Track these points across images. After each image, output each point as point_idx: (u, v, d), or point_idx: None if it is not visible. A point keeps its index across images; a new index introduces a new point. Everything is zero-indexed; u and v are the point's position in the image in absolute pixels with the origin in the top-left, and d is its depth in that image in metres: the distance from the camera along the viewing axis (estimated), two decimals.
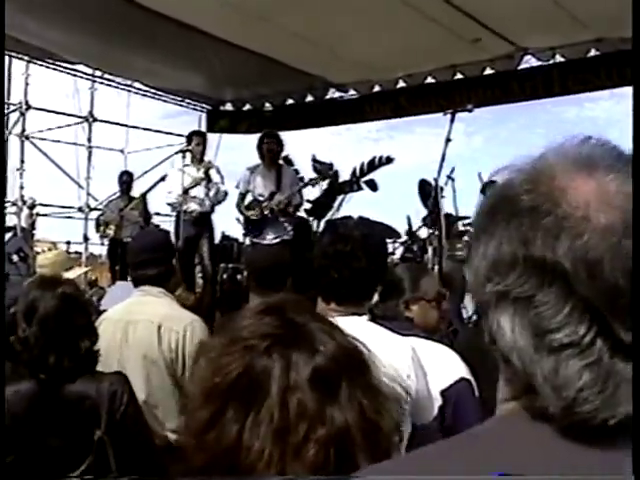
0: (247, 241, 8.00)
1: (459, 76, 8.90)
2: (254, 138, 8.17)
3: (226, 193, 8.09)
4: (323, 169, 10.63)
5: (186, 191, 7.66)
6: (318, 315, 1.27)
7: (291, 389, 1.09)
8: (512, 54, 8.37)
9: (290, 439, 1.07)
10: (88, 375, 2.48)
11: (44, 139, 11.81)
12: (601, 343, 0.75)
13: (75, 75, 10.28)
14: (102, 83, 10.74)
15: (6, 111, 10.47)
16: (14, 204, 10.35)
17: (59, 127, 12.03)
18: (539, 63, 8.42)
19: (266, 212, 7.63)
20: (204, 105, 11.19)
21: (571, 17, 7.12)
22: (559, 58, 8.26)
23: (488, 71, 8.72)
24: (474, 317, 7.43)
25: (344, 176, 11.09)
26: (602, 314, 0.75)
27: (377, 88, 9.68)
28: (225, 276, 8.13)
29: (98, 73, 10.32)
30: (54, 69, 9.64)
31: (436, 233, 6.56)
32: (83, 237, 11.36)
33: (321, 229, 9.00)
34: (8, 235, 7.83)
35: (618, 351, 0.75)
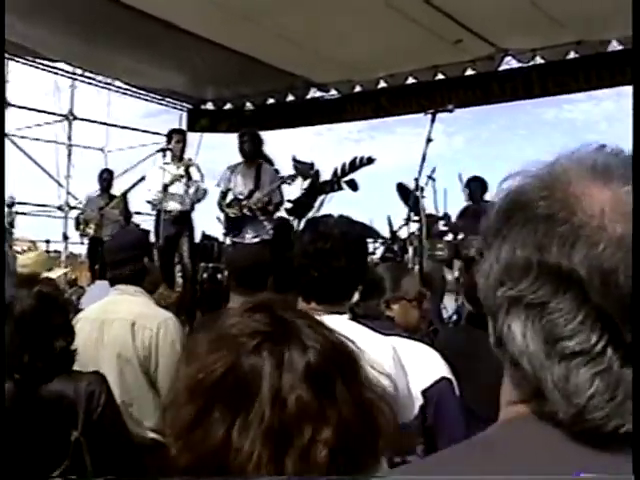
0: (227, 240, 7.98)
1: (440, 77, 8.95)
2: (235, 137, 8.15)
3: (206, 191, 8.06)
4: (304, 169, 10.62)
5: (165, 188, 7.62)
6: (304, 312, 1.25)
7: (285, 387, 1.06)
8: (493, 55, 8.42)
9: (295, 441, 1.04)
10: (65, 375, 2.45)
11: (24, 137, 11.73)
12: (611, 352, 0.75)
13: (56, 73, 10.21)
14: (83, 81, 10.68)
15: None
16: None
17: (39, 125, 11.96)
18: (519, 64, 8.49)
19: (245, 210, 7.61)
20: (185, 104, 11.16)
21: (551, 19, 7.17)
22: (539, 60, 8.33)
23: (469, 72, 8.78)
24: (454, 317, 7.48)
25: (325, 176, 11.08)
26: (614, 323, 0.75)
27: (358, 88, 9.70)
28: (205, 275, 8.11)
29: (79, 71, 10.26)
30: (34, 67, 9.57)
31: (417, 233, 6.59)
32: (63, 236, 11.29)
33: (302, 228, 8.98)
34: None
35: (628, 360, 0.76)
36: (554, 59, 8.18)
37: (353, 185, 11.03)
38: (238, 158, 8.01)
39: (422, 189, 5.97)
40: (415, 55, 8.36)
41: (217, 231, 8.59)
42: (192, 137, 9.81)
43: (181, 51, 8.22)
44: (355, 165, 11.03)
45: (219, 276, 7.87)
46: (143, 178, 8.08)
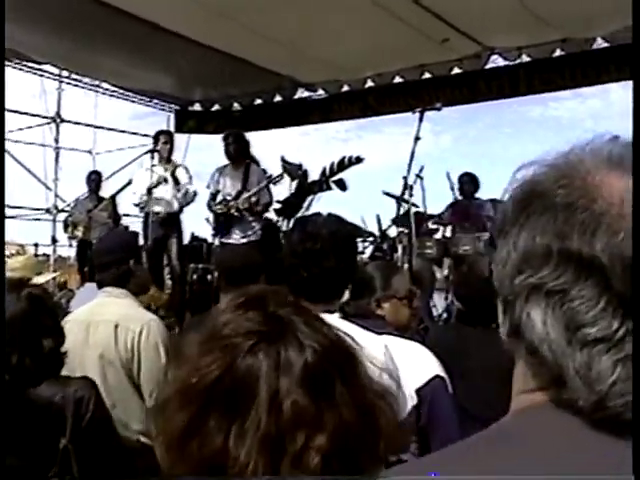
0: (216, 241, 7.97)
1: (427, 76, 8.97)
2: None
3: (195, 193, 8.05)
4: (292, 169, 10.62)
5: (150, 191, 7.61)
6: (300, 306, 1.18)
7: (282, 391, 1.02)
8: (479, 54, 8.45)
9: (288, 447, 1.00)
10: (53, 379, 2.43)
11: (10, 140, 11.65)
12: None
13: (42, 75, 10.16)
14: (69, 84, 10.63)
15: None
16: None
17: (25, 128, 11.88)
18: (505, 63, 8.52)
19: (232, 211, 7.60)
20: (172, 105, 11.14)
21: (537, 18, 7.20)
22: (525, 58, 8.37)
23: (456, 70, 8.80)
24: (444, 315, 7.50)
25: (313, 176, 11.08)
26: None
27: (346, 88, 9.71)
28: (195, 276, 8.09)
29: (65, 73, 10.22)
30: (20, 69, 9.52)
31: (406, 232, 6.59)
32: (51, 239, 11.23)
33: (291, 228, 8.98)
34: None
35: None
36: (540, 57, 8.22)
37: (342, 185, 11.03)
38: (226, 159, 8.00)
39: (411, 187, 5.97)
40: (402, 54, 8.37)
41: (206, 232, 8.59)
42: (180, 138, 9.81)
43: (168, 52, 8.20)
44: (343, 165, 11.03)
45: (209, 277, 7.86)
46: (130, 182, 8.06)
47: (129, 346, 3.18)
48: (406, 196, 5.95)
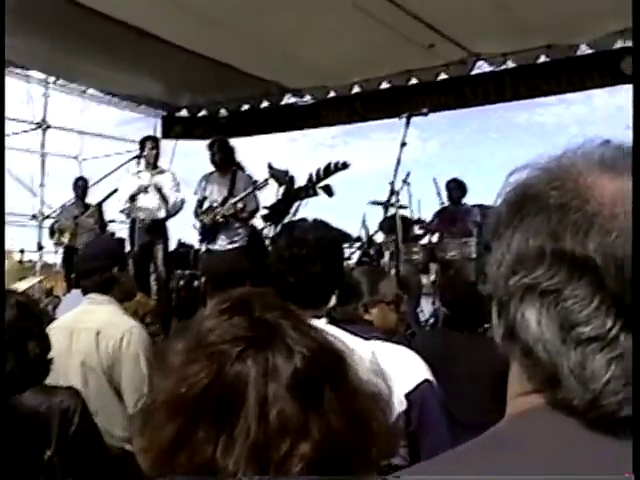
0: (203, 248, 7.96)
1: (414, 81, 8.99)
2: None
3: (183, 201, 8.04)
4: (279, 175, 10.61)
5: (132, 198, 7.60)
6: (287, 309, 1.16)
7: (271, 398, 1.00)
8: (465, 60, 8.49)
9: (271, 455, 0.98)
10: (39, 388, 2.42)
11: None
12: (625, 338, 0.77)
13: (28, 81, 10.12)
14: (56, 89, 10.60)
15: None
16: None
17: (12, 134, 11.83)
18: (491, 69, 8.56)
19: (219, 218, 7.60)
20: (159, 111, 11.11)
21: (522, 24, 7.26)
22: (510, 64, 8.41)
23: (442, 76, 8.83)
24: (431, 320, 7.51)
25: (300, 182, 11.08)
26: (628, 309, 0.76)
27: (332, 94, 9.71)
28: (182, 283, 8.08)
29: (52, 79, 10.18)
30: (7, 75, 9.48)
31: (393, 237, 6.61)
32: (37, 245, 11.17)
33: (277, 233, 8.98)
34: None
35: None
36: (525, 63, 8.27)
37: (328, 190, 11.03)
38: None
39: (397, 193, 5.98)
40: (388, 60, 8.40)
41: (193, 238, 8.58)
42: (167, 144, 9.79)
43: (155, 58, 8.19)
44: (330, 170, 11.03)
45: (195, 283, 7.85)
46: (116, 190, 8.04)
47: (110, 353, 3.19)
48: (393, 202, 5.96)
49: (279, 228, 9.22)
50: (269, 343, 1.04)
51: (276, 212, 10.24)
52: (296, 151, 23.65)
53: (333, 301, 2.35)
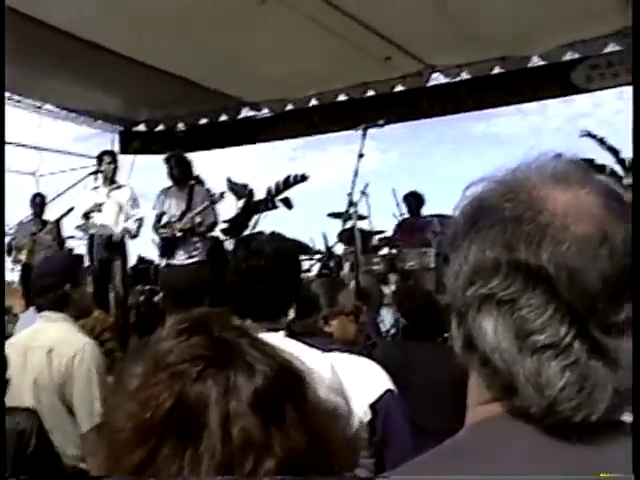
0: (162, 263, 7.91)
1: (371, 93, 9.05)
2: None
3: (141, 219, 7.99)
4: (238, 189, 10.62)
5: (87, 215, 7.54)
6: (244, 329, 1.14)
7: (232, 417, 0.98)
8: (421, 72, 8.58)
9: (236, 472, 0.97)
10: None
11: None
12: (579, 345, 0.79)
13: None
14: (11, 105, 10.44)
15: None
16: None
17: None
18: (447, 80, 8.66)
19: (176, 232, 7.56)
20: (116, 126, 11.02)
21: (476, 37, 7.36)
22: (465, 75, 8.52)
23: (399, 88, 8.91)
24: (392, 330, 7.53)
25: (259, 195, 11.10)
26: (581, 317, 0.78)
27: (290, 106, 9.73)
28: (142, 298, 8.01)
29: (7, 94, 10.03)
30: None
31: (352, 249, 6.63)
32: None
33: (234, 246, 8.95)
34: None
35: (594, 353, 0.79)
36: (480, 74, 8.38)
37: (287, 203, 11.07)
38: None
39: (355, 204, 6.01)
40: (345, 72, 8.45)
41: (153, 253, 8.51)
42: (125, 159, 9.70)
43: (111, 73, 8.12)
44: (289, 183, 11.07)
45: (155, 298, 7.78)
46: (73, 208, 7.96)
47: (62, 371, 3.16)
48: (351, 213, 5.98)
49: (235, 242, 9.21)
50: (229, 362, 1.03)
51: (236, 225, 10.23)
52: (255, 164, 23.65)
53: (292, 314, 2.35)
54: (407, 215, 8.58)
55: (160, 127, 10.85)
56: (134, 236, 7.93)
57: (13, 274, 9.75)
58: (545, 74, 7.98)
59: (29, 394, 3.08)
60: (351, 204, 5.92)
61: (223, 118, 10.22)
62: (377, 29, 7.20)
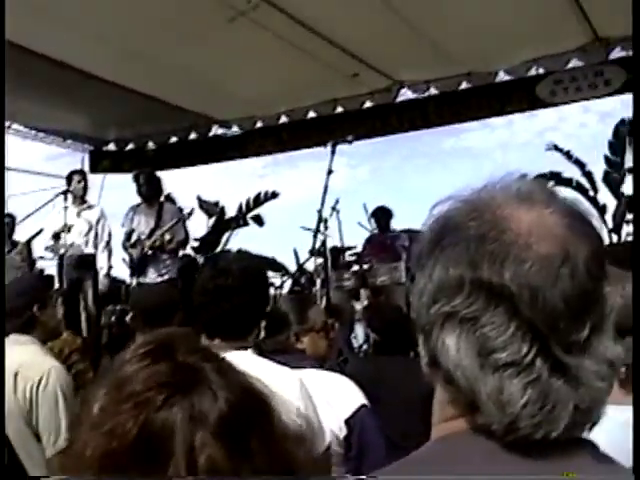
0: (134, 282, 7.86)
1: (340, 110, 9.09)
2: None
3: (110, 235, 7.94)
4: (209, 207, 10.60)
5: (57, 236, 7.48)
6: (209, 352, 1.13)
7: (198, 445, 0.97)
8: (389, 87, 8.64)
9: None
10: None
11: None
12: (540, 363, 0.80)
13: None
14: None
15: None
16: None
17: None
18: (415, 96, 8.73)
19: (146, 249, 7.52)
20: (86, 146, 10.96)
21: (443, 52, 7.45)
22: (433, 91, 8.60)
23: (368, 104, 8.96)
24: (364, 346, 7.55)
25: (230, 212, 11.09)
26: (543, 335, 0.79)
27: (260, 124, 9.74)
28: (113, 318, 7.93)
29: None
30: None
31: (322, 265, 6.64)
32: None
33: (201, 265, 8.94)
34: None
35: (556, 371, 0.80)
36: (447, 90, 8.47)
37: (258, 220, 11.07)
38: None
39: (325, 221, 6.03)
40: (314, 89, 8.48)
41: (124, 272, 8.45)
42: (95, 178, 9.64)
43: (81, 92, 8.08)
44: (260, 200, 11.09)
45: (127, 318, 7.71)
46: (42, 230, 7.90)
47: (27, 395, 3.12)
48: (321, 229, 6.00)
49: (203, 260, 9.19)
50: (193, 388, 1.02)
51: (207, 243, 10.22)
52: (226, 182, 23.61)
53: (262, 331, 2.35)
54: (376, 230, 8.62)
55: (130, 146, 10.80)
56: (109, 253, 7.87)
57: None
58: (511, 89, 8.09)
59: None
60: (321, 220, 5.93)
61: (193, 136, 10.20)
62: (344, 46, 7.26)
